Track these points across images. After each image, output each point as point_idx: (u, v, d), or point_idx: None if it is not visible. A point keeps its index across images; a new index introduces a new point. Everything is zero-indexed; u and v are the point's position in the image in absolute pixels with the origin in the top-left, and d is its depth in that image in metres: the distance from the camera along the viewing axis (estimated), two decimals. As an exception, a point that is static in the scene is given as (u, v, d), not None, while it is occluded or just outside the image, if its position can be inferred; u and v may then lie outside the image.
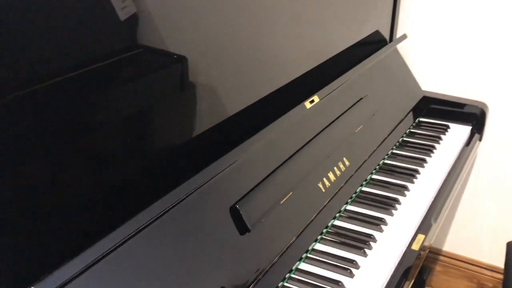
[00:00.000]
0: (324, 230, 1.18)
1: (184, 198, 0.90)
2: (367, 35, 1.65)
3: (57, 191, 0.73)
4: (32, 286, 0.68)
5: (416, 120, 1.75)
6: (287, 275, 1.04)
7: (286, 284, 1.03)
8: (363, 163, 1.38)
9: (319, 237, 1.15)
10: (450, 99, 1.80)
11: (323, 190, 1.21)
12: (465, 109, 1.77)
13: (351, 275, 1.05)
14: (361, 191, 1.34)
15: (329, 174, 1.24)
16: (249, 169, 1.07)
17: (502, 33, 1.70)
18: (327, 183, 1.22)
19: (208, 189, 0.95)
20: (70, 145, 0.73)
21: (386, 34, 1.79)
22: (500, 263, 1.94)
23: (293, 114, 1.19)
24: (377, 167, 1.45)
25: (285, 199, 1.10)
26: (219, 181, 0.98)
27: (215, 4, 0.97)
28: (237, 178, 1.03)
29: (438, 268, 2.09)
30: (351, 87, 1.48)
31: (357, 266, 1.08)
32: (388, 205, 1.28)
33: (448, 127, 1.72)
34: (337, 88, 1.38)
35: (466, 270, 2.04)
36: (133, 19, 0.81)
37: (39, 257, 0.71)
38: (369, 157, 1.42)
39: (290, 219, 1.10)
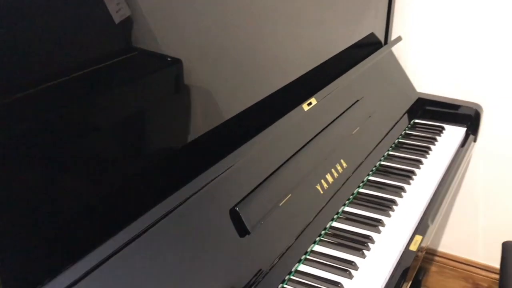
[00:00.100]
0: (323, 232, 1.18)
1: (184, 201, 0.90)
2: (362, 37, 1.65)
3: (52, 195, 0.72)
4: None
5: (411, 122, 1.76)
6: (287, 277, 1.05)
7: (286, 286, 1.03)
8: (360, 164, 1.39)
9: (317, 238, 1.16)
10: (444, 100, 1.82)
11: (321, 192, 1.21)
12: (460, 111, 1.79)
13: (350, 276, 1.06)
14: (358, 193, 1.35)
15: (327, 176, 1.25)
16: (248, 171, 1.07)
17: (496, 34, 1.72)
18: (325, 185, 1.23)
19: (206, 192, 0.96)
20: (64, 148, 0.73)
21: (381, 36, 1.80)
22: (495, 263, 1.96)
23: (291, 117, 1.19)
24: (374, 168, 1.46)
25: (284, 201, 1.10)
26: (217, 184, 0.98)
27: (211, 7, 0.97)
28: (236, 181, 1.03)
29: (433, 268, 2.10)
30: (347, 89, 1.49)
31: (356, 268, 1.08)
32: (385, 206, 1.29)
33: (443, 128, 1.73)
34: (334, 90, 1.39)
35: (461, 270, 2.05)
36: (128, 22, 0.81)
37: (41, 262, 0.71)
38: (365, 158, 1.42)
39: (289, 221, 1.10)
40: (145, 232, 0.83)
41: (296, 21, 1.28)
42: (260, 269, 0.99)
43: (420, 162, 1.51)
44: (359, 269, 1.08)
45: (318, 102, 1.30)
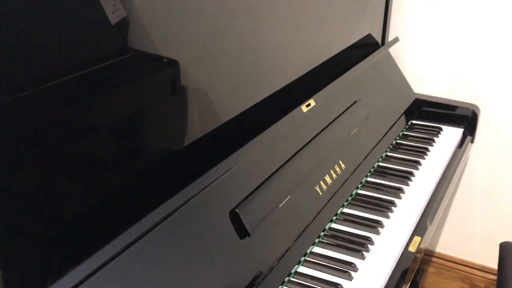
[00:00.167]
0: (322, 233, 1.18)
1: (184, 204, 0.90)
2: (359, 38, 1.65)
3: (47, 197, 0.72)
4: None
5: (409, 123, 1.77)
6: (287, 279, 1.04)
7: (285, 287, 1.03)
8: (358, 165, 1.39)
9: (316, 240, 1.16)
10: (442, 101, 1.82)
11: (320, 194, 1.21)
12: (457, 111, 1.79)
13: (350, 277, 1.06)
14: (357, 194, 1.34)
15: (325, 177, 1.25)
16: (247, 173, 1.07)
17: (493, 35, 1.72)
18: (324, 186, 1.23)
19: (206, 194, 0.95)
20: (59, 150, 0.72)
21: (378, 37, 1.80)
22: (492, 263, 1.96)
23: (290, 118, 1.19)
24: (372, 169, 1.46)
25: (283, 202, 1.10)
26: (217, 186, 0.98)
27: (208, 8, 0.97)
28: (235, 182, 1.03)
29: (430, 269, 2.10)
30: (345, 90, 1.49)
31: (355, 269, 1.08)
32: (384, 207, 1.29)
33: (440, 129, 1.73)
34: (333, 91, 1.39)
35: (458, 271, 2.05)
36: (124, 23, 0.80)
37: (42, 265, 0.70)
38: (364, 159, 1.42)
39: (288, 222, 1.10)
40: (145, 235, 0.83)
41: (294, 22, 1.28)
42: (260, 271, 0.99)
43: (418, 163, 1.51)
44: (358, 271, 1.08)
45: (316, 103, 1.30)
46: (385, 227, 1.22)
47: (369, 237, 1.17)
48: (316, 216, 1.17)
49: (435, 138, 1.67)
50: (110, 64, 0.79)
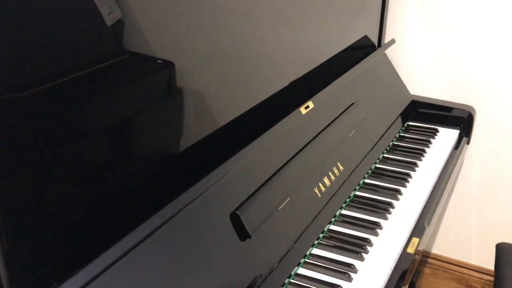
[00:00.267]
0: (321, 235, 1.18)
1: (185, 207, 0.90)
2: (356, 40, 1.66)
3: (45, 201, 0.71)
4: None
5: (405, 124, 1.77)
6: (287, 280, 1.04)
7: (285, 289, 1.03)
8: (356, 167, 1.39)
9: (316, 242, 1.16)
10: (438, 103, 1.83)
11: (319, 195, 1.21)
12: (453, 113, 1.80)
13: (349, 279, 1.06)
14: (355, 196, 1.35)
15: (324, 179, 1.25)
16: (247, 175, 1.07)
17: (489, 37, 1.73)
18: (322, 188, 1.23)
19: (206, 197, 0.95)
20: (52, 153, 0.71)
21: (374, 39, 1.80)
22: (488, 265, 1.97)
23: (289, 120, 1.19)
24: (369, 171, 1.46)
25: (283, 204, 1.10)
26: (217, 189, 0.98)
27: (205, 9, 0.97)
28: (235, 185, 1.03)
29: (427, 270, 2.11)
30: (343, 92, 1.49)
31: (355, 270, 1.08)
32: (382, 209, 1.29)
33: (437, 130, 1.74)
34: (331, 93, 1.39)
35: (454, 272, 2.06)
36: (120, 24, 0.79)
37: (48, 267, 0.70)
38: (361, 161, 1.43)
39: (288, 224, 1.10)
40: (147, 239, 0.82)
41: (291, 24, 1.28)
42: (260, 273, 0.99)
43: (415, 164, 1.51)
44: (358, 272, 1.08)
45: (315, 105, 1.30)
46: (383, 228, 1.23)
47: (367, 239, 1.17)
48: (315, 217, 1.18)
49: (432, 140, 1.68)
50: (106, 65, 0.78)
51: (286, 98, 1.27)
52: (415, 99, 1.85)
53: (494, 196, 1.90)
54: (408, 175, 1.45)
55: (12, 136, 0.65)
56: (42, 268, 0.69)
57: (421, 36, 1.84)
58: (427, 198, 1.39)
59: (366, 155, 1.46)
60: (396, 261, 1.14)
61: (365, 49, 1.75)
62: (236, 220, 0.98)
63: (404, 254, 1.17)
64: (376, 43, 1.82)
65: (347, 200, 1.32)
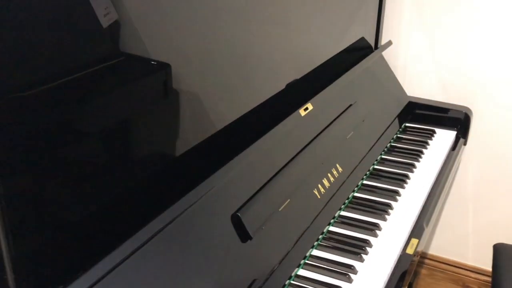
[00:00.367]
0: (320, 236, 1.18)
1: (186, 210, 0.90)
2: (353, 42, 1.66)
3: (44, 203, 0.71)
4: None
5: (403, 125, 1.78)
6: (287, 282, 1.05)
7: (286, 290, 1.03)
8: (354, 168, 1.40)
9: (316, 243, 1.16)
10: (434, 104, 1.83)
11: (318, 197, 1.22)
12: (450, 114, 1.80)
13: (349, 280, 1.06)
14: (354, 197, 1.35)
15: (323, 181, 1.25)
16: (247, 177, 1.07)
17: (485, 38, 1.74)
18: (321, 189, 1.23)
19: (207, 200, 0.95)
20: (48, 156, 0.70)
21: (371, 41, 1.81)
22: (485, 265, 1.98)
23: (289, 122, 1.20)
24: (368, 172, 1.46)
25: (283, 206, 1.10)
26: (218, 191, 0.98)
27: (202, 11, 0.96)
28: (235, 187, 1.03)
29: (423, 271, 2.11)
30: (341, 93, 1.50)
31: (355, 271, 1.09)
32: (381, 210, 1.29)
33: (434, 131, 1.74)
34: (329, 95, 1.40)
35: (451, 273, 2.07)
36: (116, 26, 0.79)
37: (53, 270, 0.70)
38: (360, 162, 1.43)
39: (288, 226, 1.11)
40: (149, 241, 0.82)
41: (288, 26, 1.29)
42: (262, 274, 0.99)
43: (413, 166, 1.52)
44: (358, 273, 1.09)
45: (314, 107, 1.31)
46: (382, 229, 1.23)
47: (367, 240, 1.18)
48: (314, 219, 1.18)
49: (429, 141, 1.68)
50: (102, 67, 0.78)
51: (285, 100, 1.27)
52: (412, 100, 1.85)
53: (490, 196, 1.91)
54: (406, 176, 1.46)
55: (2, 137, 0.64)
56: (48, 270, 0.69)
57: (418, 38, 1.85)
58: (425, 199, 1.40)
59: (364, 157, 1.46)
60: (395, 262, 1.14)
61: (362, 51, 1.75)
62: (237, 222, 0.99)
63: (403, 255, 1.17)
64: (373, 45, 1.83)
65: (346, 201, 1.32)
